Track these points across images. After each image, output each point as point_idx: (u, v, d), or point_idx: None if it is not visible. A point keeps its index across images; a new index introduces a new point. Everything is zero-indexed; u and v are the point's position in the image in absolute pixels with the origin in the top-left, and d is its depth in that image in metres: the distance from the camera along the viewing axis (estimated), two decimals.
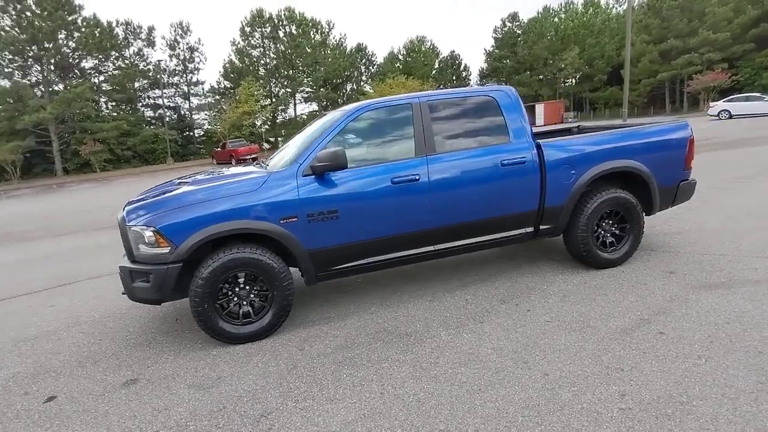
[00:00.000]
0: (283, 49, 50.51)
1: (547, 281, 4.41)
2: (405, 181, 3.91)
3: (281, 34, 51.06)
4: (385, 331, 3.68)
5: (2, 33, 35.97)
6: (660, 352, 2.98)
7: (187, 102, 48.05)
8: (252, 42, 50.02)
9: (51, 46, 38.28)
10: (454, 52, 69.37)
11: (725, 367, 2.75)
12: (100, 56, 41.80)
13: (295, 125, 52.29)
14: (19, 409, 3.07)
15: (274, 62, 51.05)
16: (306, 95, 54.32)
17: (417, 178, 3.94)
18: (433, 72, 65.36)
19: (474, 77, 71.11)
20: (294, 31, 51.16)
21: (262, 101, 45.74)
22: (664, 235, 5.53)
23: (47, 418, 2.93)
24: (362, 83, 62.52)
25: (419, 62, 62.97)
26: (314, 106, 55.96)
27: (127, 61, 44.01)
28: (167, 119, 46.85)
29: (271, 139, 49.29)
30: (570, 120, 54.48)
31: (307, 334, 3.78)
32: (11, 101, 36.84)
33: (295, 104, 53.99)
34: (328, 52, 54.58)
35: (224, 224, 3.54)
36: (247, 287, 3.70)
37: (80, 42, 38.95)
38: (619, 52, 51.26)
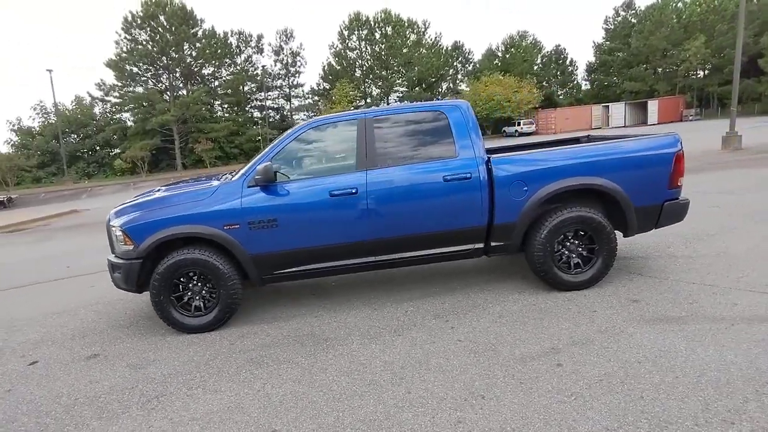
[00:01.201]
0: (378, 50, 51.92)
1: (499, 300, 4.30)
2: (343, 194, 4.11)
3: (377, 35, 52.52)
4: (310, 335, 3.93)
5: (139, 46, 41.92)
6: (537, 384, 2.86)
7: (288, 103, 51.71)
8: (349, 45, 52.17)
9: (177, 56, 43.73)
10: (559, 46, 65.70)
11: (588, 408, 2.58)
12: (216, 63, 46.73)
13: None
14: (9, 368, 3.88)
15: (369, 63, 52.69)
16: (400, 95, 55.25)
17: (355, 191, 4.11)
18: (535, 68, 62.49)
19: (581, 72, 66.64)
20: (389, 32, 52.28)
21: (355, 102, 47.61)
22: (669, 258, 5.00)
23: (22, 377, 3.68)
24: (458, 81, 61.93)
25: (518, 58, 60.59)
26: None
27: (237, 67, 48.63)
28: (270, 119, 50.86)
29: None
30: (691, 118, 48.62)
31: (247, 331, 4.17)
32: (144, 105, 42.84)
33: (387, 104, 55.17)
34: (423, 51, 54.90)
35: (174, 228, 4.06)
36: (199, 284, 4.20)
37: (200, 52, 43.93)
38: (757, 40, 44.52)
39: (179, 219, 4.09)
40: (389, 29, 52.53)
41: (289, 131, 4.45)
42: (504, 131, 50.49)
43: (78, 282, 6.55)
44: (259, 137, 44.77)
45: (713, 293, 3.96)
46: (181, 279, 4.18)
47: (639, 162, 4.25)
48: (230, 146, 44.08)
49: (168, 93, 43.50)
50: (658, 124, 45.66)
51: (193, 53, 44.21)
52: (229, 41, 46.88)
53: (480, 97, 49.30)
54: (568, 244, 4.31)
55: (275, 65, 50.01)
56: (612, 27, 60.90)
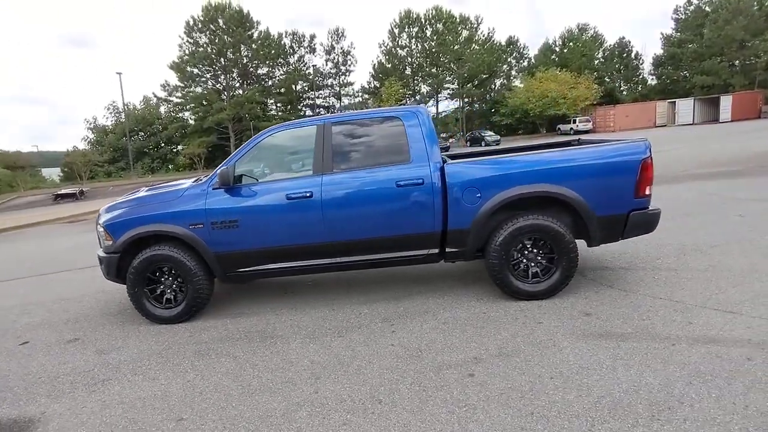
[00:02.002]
0: (428, 47, 51.65)
1: (453, 306, 4.29)
2: (299, 197, 4.27)
3: (428, 32, 52.23)
4: (261, 332, 4.13)
5: (200, 49, 44.42)
6: (438, 393, 2.87)
7: (338, 102, 52.73)
8: (399, 42, 52.26)
9: (234, 57, 45.91)
10: (623, 39, 62.10)
11: (472, 420, 2.57)
12: (270, 63, 48.57)
13: (438, 123, 53.14)
14: (1, 346, 4.38)
15: (419, 61, 52.55)
16: (450, 92, 54.67)
17: (310, 195, 4.26)
18: (595, 63, 59.53)
19: (647, 66, 62.70)
20: (440, 29, 51.82)
21: (404, 100, 47.67)
22: (651, 270, 4.74)
23: (8, 354, 4.16)
24: (512, 78, 60.28)
25: (576, 53, 57.96)
26: (459, 103, 56.00)
27: (290, 67, 50.22)
28: None
29: None
30: None
31: (210, 324, 4.44)
32: (203, 104, 45.37)
33: (437, 101, 54.83)
34: (475, 47, 53.94)
35: (145, 226, 4.40)
36: (170, 279, 4.52)
37: (255, 53, 45.83)
38: None
39: (150, 218, 4.42)
40: (440, 26, 52.06)
41: (254, 136, 4.66)
42: (559, 129, 48.61)
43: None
44: None
45: (674, 310, 3.74)
46: (155, 273, 4.51)
47: (601, 170, 4.08)
48: None
49: (225, 93, 45.78)
50: (732, 121, 42.03)
51: (249, 54, 46.18)
52: (282, 42, 48.53)
53: (533, 93, 47.75)
54: (527, 252, 4.22)
55: (326, 64, 51.25)
56: (683, 17, 56.75)
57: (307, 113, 50.03)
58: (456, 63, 52.10)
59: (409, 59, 52.32)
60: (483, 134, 43.87)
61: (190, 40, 44.22)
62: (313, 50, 50.57)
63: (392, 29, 52.54)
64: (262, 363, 3.52)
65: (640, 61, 62.61)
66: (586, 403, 2.62)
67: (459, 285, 4.84)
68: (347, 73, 51.65)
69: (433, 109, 55.82)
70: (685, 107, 47.06)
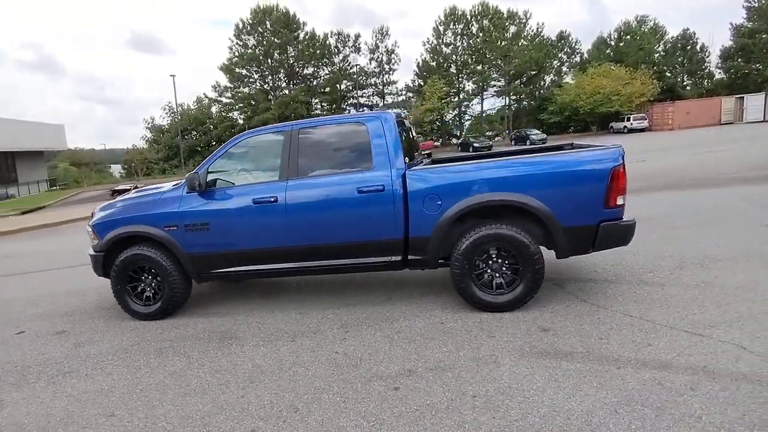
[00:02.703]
0: (474, 44, 50.72)
1: (414, 314, 4.22)
2: (264, 202, 4.34)
3: (474, 28, 51.27)
4: (224, 333, 4.24)
5: (248, 50, 46.07)
6: (356, 405, 2.84)
7: (382, 100, 52.92)
8: (444, 40, 51.62)
9: (281, 58, 47.26)
10: (687, 30, 58.12)
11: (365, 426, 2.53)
12: (315, 63, 49.57)
13: (483, 121, 52.16)
14: (1, 335, 4.76)
15: (463, 58, 51.74)
16: (497, 89, 53.38)
17: (275, 199, 4.32)
18: (655, 56, 56.12)
19: (714, 59, 58.34)
20: (487, 25, 50.72)
21: (449, 98, 47.19)
22: (637, 284, 4.44)
23: (4, 343, 4.51)
24: (562, 74, 58.01)
25: (633, 46, 54.86)
26: (505, 101, 54.60)
27: (335, 66, 50.98)
28: None
29: (457, 135, 50.37)
30: None
31: (183, 323, 4.60)
32: (251, 104, 47.06)
33: (482, 99, 53.78)
34: (524, 43, 52.35)
35: (125, 227, 4.63)
36: (150, 278, 4.73)
37: (301, 53, 46.92)
38: None
39: (131, 219, 4.65)
40: (486, 22, 50.92)
41: (228, 141, 4.77)
42: (611, 127, 46.28)
43: None
44: None
45: (639, 330, 3.49)
46: (137, 272, 4.73)
47: (568, 178, 3.87)
48: None
49: (272, 93, 47.23)
50: None
51: (295, 54, 47.33)
52: (327, 42, 49.33)
53: (584, 90, 45.69)
54: (491, 262, 4.07)
55: (370, 63, 51.50)
56: (755, 5, 52.31)
57: (351, 112, 50.66)
58: (503, 59, 50.75)
59: (454, 57, 51.58)
60: (528, 133, 42.46)
61: (239, 42, 45.98)
62: (357, 49, 51.06)
63: (437, 27, 51.98)
64: (209, 364, 3.62)
65: (706, 54, 58.38)
66: (495, 426, 2.50)
67: (431, 293, 4.75)
68: (391, 72, 51.75)
69: (477, 107, 54.85)
70: (755, 103, 43.42)
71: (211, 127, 47.89)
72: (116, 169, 53.11)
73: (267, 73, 47.70)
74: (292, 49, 46.73)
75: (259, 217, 4.38)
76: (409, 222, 4.13)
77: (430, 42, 52.15)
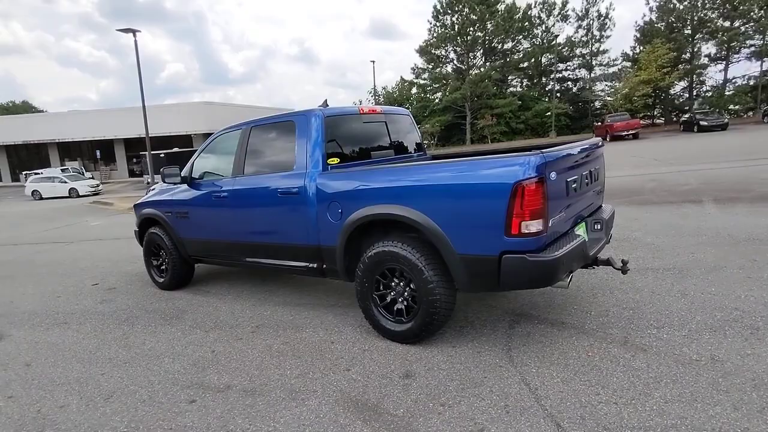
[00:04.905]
0: None
1: (322, 327, 3.96)
2: (219, 197, 4.62)
3: None
4: (180, 312, 4.70)
5: (441, 30, 46.57)
6: (150, 407, 2.91)
7: (590, 73, 46.75)
8: None
9: (478, 35, 46.19)
10: None
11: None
12: (514, 37, 46.81)
13: (722, 93, 41.47)
14: (77, 280, 6.29)
15: (703, 13, 41.45)
16: (752, 51, 41.25)
17: (226, 195, 4.55)
18: None
19: None
20: None
21: (676, 66, 38.97)
22: (570, 337, 3.21)
23: (78, 292, 5.97)
24: None
25: None
26: (761, 66, 41.84)
27: (537, 39, 47.15)
28: (567, 92, 47.59)
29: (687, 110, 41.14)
30: None
31: (173, 296, 5.28)
32: (444, 83, 47.71)
33: (727, 65, 42.30)
34: None
35: (146, 209, 5.54)
36: (163, 254, 5.57)
37: (499, 28, 44.82)
38: None
39: (149, 204, 5.54)
40: None
41: (210, 136, 5.14)
42: None
43: None
44: (548, 112, 42.81)
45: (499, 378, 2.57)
46: (156, 248, 5.62)
47: (461, 192, 3.01)
48: (516, 121, 44.00)
49: (465, 72, 46.75)
50: None
51: (493, 30, 45.59)
52: (529, 13, 45.86)
53: None
54: (393, 284, 3.50)
55: (577, 32, 45.77)
56: None
57: (554, 87, 46.41)
58: (765, 9, 38.77)
59: (690, 14, 41.73)
60: None
61: (437, 23, 46.66)
62: (564, 18, 46.03)
63: None
64: (124, 339, 4.12)
65: None
66: None
67: None
68: (602, 39, 44.98)
69: (720, 76, 43.60)
70: None
71: (409, 107, 50.47)
72: None
73: (462, 51, 47.37)
74: (490, 24, 45.12)
75: (216, 211, 4.69)
76: (319, 229, 3.84)
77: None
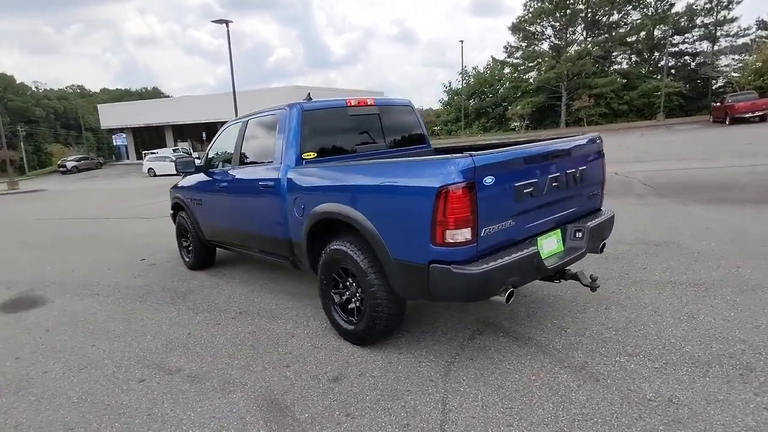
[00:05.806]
0: None
1: (293, 322, 4.02)
2: (221, 186, 4.86)
3: None
4: (185, 292, 5.05)
5: (538, 4, 43.57)
6: (105, 382, 3.20)
7: (713, 45, 40.71)
8: None
9: (580, 7, 42.46)
10: None
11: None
12: (623, 8, 42.30)
13: None
14: (132, 259, 7.02)
15: None
16: None
17: (225, 185, 4.77)
18: None
19: None
20: None
21: None
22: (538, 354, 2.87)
23: (126, 267, 6.69)
24: None
25: None
26: None
27: (650, 9, 42.08)
28: (684, 68, 42.21)
29: None
30: None
31: (190, 275, 5.69)
32: (539, 62, 44.73)
33: None
34: None
35: (175, 195, 6.01)
36: (190, 237, 6.00)
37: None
38: None
39: (177, 189, 5.99)
40: None
41: (222, 127, 5.36)
42: None
43: None
44: (658, 91, 38.16)
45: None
46: (184, 231, 6.07)
47: (393, 193, 2.83)
48: (618, 102, 39.92)
49: (562, 49, 43.35)
50: None
51: (597, 1, 41.52)
52: None
53: None
54: (348, 284, 3.44)
55: None
56: None
57: (669, 63, 41.19)
58: None
59: None
60: None
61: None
62: None
63: None
64: (129, 314, 4.53)
65: None
66: None
67: None
68: (730, 6, 38.73)
69: None
70: None
71: (499, 88, 48.26)
72: None
73: (560, 26, 43.91)
74: None
75: (219, 199, 4.94)
76: (289, 223, 3.87)
77: None
